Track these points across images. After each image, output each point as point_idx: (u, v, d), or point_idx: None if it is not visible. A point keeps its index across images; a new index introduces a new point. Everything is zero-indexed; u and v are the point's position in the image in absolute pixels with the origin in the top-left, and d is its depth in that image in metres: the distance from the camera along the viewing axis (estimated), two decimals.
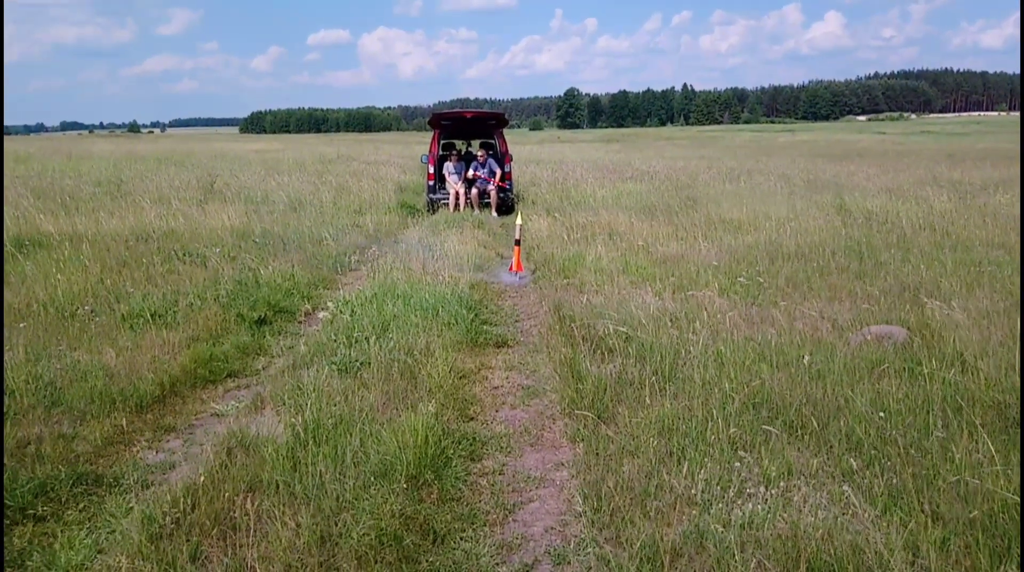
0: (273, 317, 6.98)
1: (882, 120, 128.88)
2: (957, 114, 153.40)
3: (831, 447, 3.90)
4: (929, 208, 12.41)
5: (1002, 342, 5.14)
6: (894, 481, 3.49)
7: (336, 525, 3.32)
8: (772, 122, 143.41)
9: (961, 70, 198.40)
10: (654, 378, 4.68)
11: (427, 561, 3.13)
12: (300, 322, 7.05)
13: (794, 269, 7.88)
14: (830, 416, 4.14)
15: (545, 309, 7.00)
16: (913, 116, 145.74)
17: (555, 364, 5.34)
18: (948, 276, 7.34)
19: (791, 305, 6.47)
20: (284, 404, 4.75)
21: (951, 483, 3.31)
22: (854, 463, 3.68)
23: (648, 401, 4.40)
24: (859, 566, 2.78)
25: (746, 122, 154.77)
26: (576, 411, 4.40)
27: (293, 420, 4.33)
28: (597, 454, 3.93)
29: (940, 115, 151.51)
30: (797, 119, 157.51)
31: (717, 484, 3.59)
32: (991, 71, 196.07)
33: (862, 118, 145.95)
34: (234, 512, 3.42)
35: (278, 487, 3.65)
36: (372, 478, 3.65)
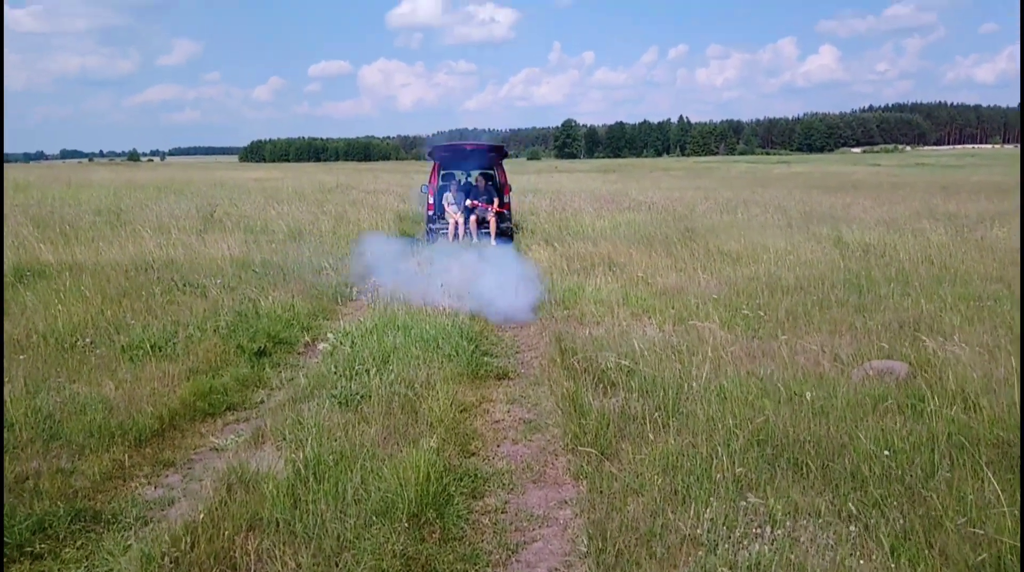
0: (273, 348, 6.96)
1: (877, 152, 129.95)
2: (951, 147, 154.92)
3: (836, 486, 3.87)
4: (926, 241, 12.46)
5: (1004, 379, 5.13)
6: (901, 522, 3.46)
7: (337, 566, 3.27)
8: (767, 153, 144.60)
9: (955, 103, 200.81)
10: (657, 413, 4.66)
11: None
12: (300, 353, 7.02)
13: (794, 302, 7.89)
14: (835, 454, 4.12)
15: (546, 341, 6.98)
16: (908, 148, 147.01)
17: (557, 398, 5.31)
18: (948, 310, 7.35)
19: (792, 338, 6.47)
20: (284, 439, 4.72)
21: (959, 524, 3.28)
22: (860, 503, 3.66)
23: (651, 437, 4.37)
24: None
25: (742, 153, 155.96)
26: (579, 447, 4.37)
27: (293, 456, 4.29)
28: (601, 492, 3.89)
29: (934, 147, 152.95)
30: (792, 151, 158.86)
31: (723, 524, 3.55)
32: (984, 104, 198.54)
33: (857, 150, 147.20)
34: (234, 552, 3.38)
35: (278, 525, 3.61)
36: (373, 517, 3.62)
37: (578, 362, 5.72)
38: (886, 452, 4.00)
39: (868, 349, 6.24)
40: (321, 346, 7.06)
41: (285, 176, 46.19)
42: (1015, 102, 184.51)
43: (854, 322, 7.14)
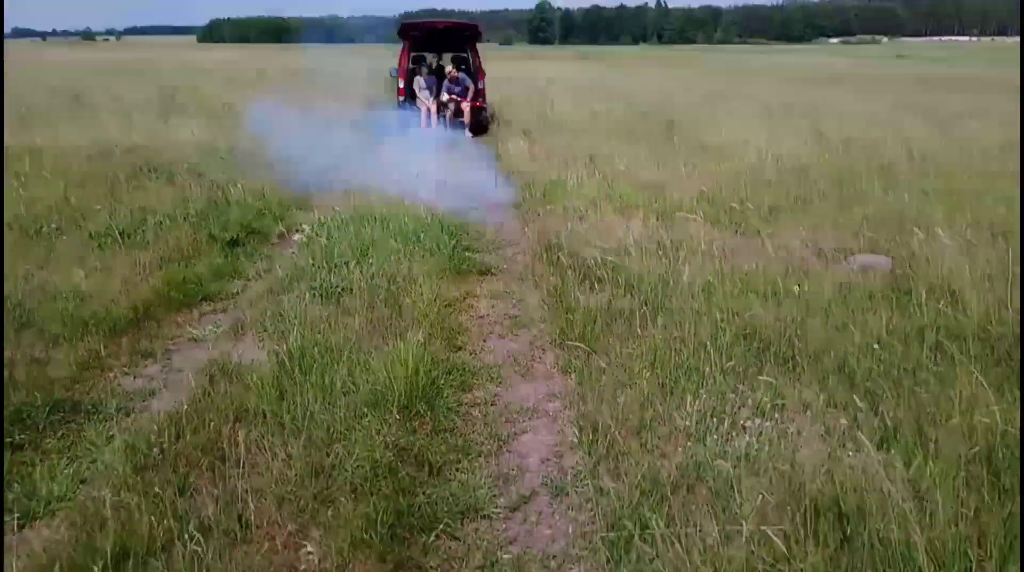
0: (246, 238, 6.77)
1: (855, 44, 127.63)
2: (929, 39, 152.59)
3: (825, 379, 3.90)
4: (907, 135, 12.36)
5: (988, 274, 5.15)
6: (890, 415, 3.51)
7: (329, 456, 3.25)
8: (746, 43, 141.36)
9: None
10: (644, 309, 4.62)
11: (424, 493, 3.08)
12: (274, 244, 6.84)
13: (777, 196, 7.81)
14: (822, 348, 4.13)
15: (529, 236, 6.86)
16: (886, 40, 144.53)
17: (543, 294, 5.25)
18: (930, 205, 7.33)
19: (776, 233, 6.43)
20: (265, 331, 4.62)
21: (949, 417, 3.33)
22: (850, 396, 3.69)
23: (639, 332, 4.35)
24: (862, 502, 2.79)
25: (720, 42, 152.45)
26: (567, 342, 4.33)
27: (276, 348, 4.21)
28: (590, 385, 3.89)
29: (913, 39, 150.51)
30: (770, 40, 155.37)
31: (712, 416, 3.58)
32: None
33: (835, 40, 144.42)
34: (221, 442, 3.33)
35: (265, 417, 3.56)
36: (363, 408, 3.58)
37: (563, 258, 5.63)
38: (875, 345, 4.02)
39: (852, 244, 6.23)
40: (296, 237, 6.87)
41: (246, 58, 44.22)
42: None
43: (837, 217, 7.11)
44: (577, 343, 4.11)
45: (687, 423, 3.53)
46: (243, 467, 3.12)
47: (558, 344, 4.50)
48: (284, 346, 4.19)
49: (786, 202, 7.55)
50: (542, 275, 5.63)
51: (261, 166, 9.44)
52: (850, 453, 3.28)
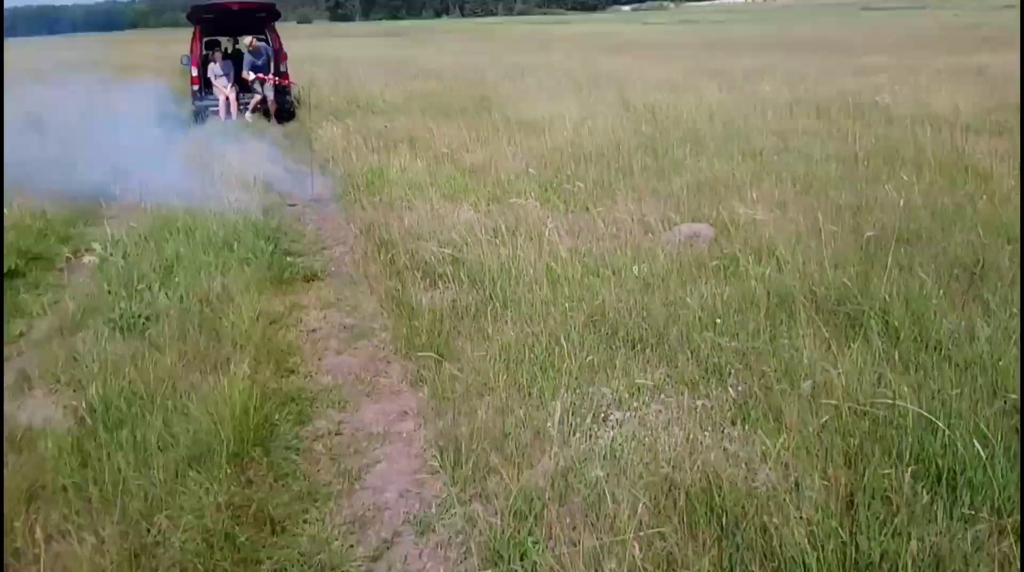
0: (26, 267, 5.85)
1: (645, 10, 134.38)
2: (711, 1, 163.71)
3: (672, 358, 3.88)
4: (706, 99, 12.99)
5: (800, 233, 5.40)
6: (739, 389, 3.54)
7: (150, 532, 2.77)
8: (545, 14, 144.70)
9: None
10: (491, 305, 4.41)
11: (269, 558, 2.70)
12: (62, 270, 5.96)
13: (599, 171, 7.87)
14: (667, 326, 4.12)
15: (355, 232, 6.44)
16: (672, 5, 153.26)
17: (380, 298, 4.90)
18: (738, 168, 7.66)
19: (604, 210, 6.44)
20: (59, 382, 3.95)
21: (793, 386, 3.39)
22: (701, 373, 3.69)
23: (490, 332, 4.13)
24: (731, 482, 2.76)
25: (519, 14, 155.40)
26: (413, 351, 4.03)
27: (73, 402, 3.59)
28: (445, 397, 3.62)
29: (696, 3, 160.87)
30: (568, 9, 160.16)
31: (573, 413, 3.44)
32: None
33: (627, 7, 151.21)
34: (14, 537, 2.75)
35: (67, 492, 2.99)
36: (186, 466, 3.10)
37: (397, 255, 5.30)
38: (717, 319, 4.06)
39: (675, 214, 6.36)
40: (87, 260, 6.03)
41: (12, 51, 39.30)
42: None
43: (656, 187, 7.26)
44: (427, 353, 3.81)
45: (549, 425, 3.37)
46: (42, 565, 2.58)
47: (404, 354, 4.19)
48: (83, 400, 3.58)
49: (609, 176, 7.62)
50: (376, 276, 5.26)
51: (38, 175, 8.25)
52: (707, 434, 3.27)
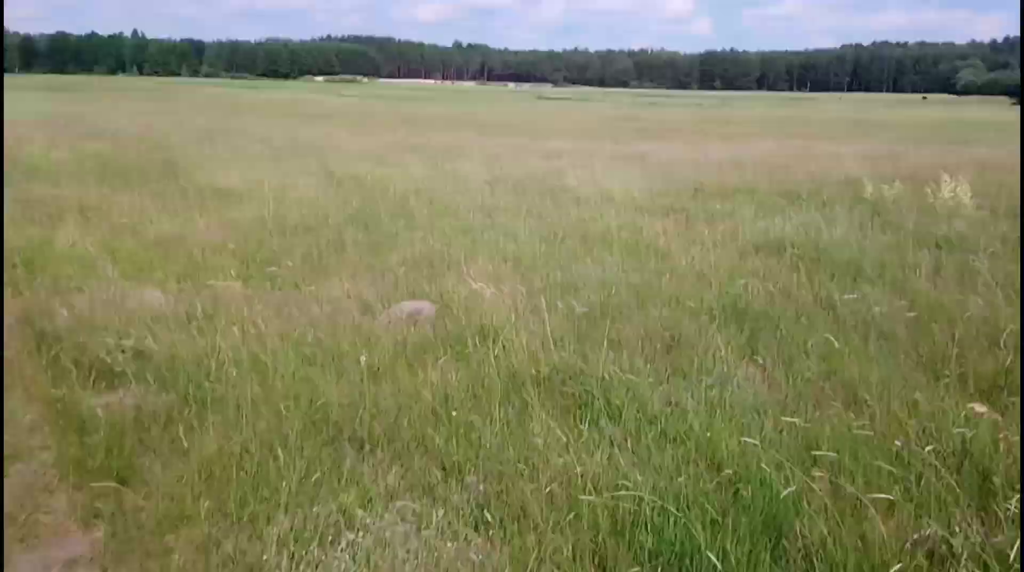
0: None
1: (339, 83, 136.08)
2: (401, 80, 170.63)
3: (406, 458, 3.55)
4: (410, 173, 13.15)
5: (521, 311, 5.44)
6: (481, 488, 3.30)
7: None
8: (234, 79, 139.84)
9: (401, 40, 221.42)
10: (188, 408, 3.72)
11: None
12: None
13: (308, 245, 7.40)
14: (398, 420, 3.79)
15: (9, 322, 5.19)
16: (365, 79, 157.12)
17: (39, 407, 3.90)
18: (451, 245, 7.68)
19: (317, 287, 5.99)
20: None
21: (532, 481, 3.25)
22: (439, 474, 3.40)
23: (186, 444, 3.45)
24: None
25: (206, 76, 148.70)
26: (85, 477, 3.21)
27: None
28: (127, 537, 2.89)
29: (389, 80, 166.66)
30: (257, 76, 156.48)
31: (296, 541, 2.93)
32: (427, 42, 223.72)
33: (320, 79, 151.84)
34: None
35: None
36: None
37: (63, 351, 4.31)
38: (453, 412, 3.82)
39: (393, 291, 6.12)
40: None
41: None
42: (450, 42, 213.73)
43: (372, 262, 6.98)
44: (104, 483, 3.03)
45: (266, 558, 2.83)
46: None
47: (73, 482, 3.32)
48: None
49: (319, 250, 7.18)
50: (34, 379, 4.22)
51: None
52: (450, 546, 2.98)
